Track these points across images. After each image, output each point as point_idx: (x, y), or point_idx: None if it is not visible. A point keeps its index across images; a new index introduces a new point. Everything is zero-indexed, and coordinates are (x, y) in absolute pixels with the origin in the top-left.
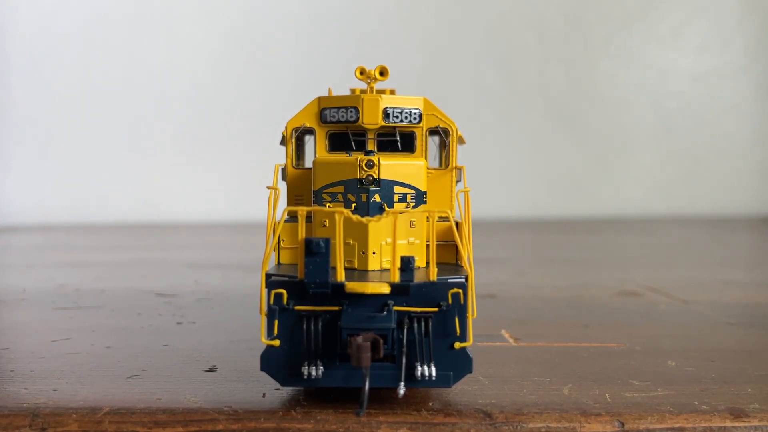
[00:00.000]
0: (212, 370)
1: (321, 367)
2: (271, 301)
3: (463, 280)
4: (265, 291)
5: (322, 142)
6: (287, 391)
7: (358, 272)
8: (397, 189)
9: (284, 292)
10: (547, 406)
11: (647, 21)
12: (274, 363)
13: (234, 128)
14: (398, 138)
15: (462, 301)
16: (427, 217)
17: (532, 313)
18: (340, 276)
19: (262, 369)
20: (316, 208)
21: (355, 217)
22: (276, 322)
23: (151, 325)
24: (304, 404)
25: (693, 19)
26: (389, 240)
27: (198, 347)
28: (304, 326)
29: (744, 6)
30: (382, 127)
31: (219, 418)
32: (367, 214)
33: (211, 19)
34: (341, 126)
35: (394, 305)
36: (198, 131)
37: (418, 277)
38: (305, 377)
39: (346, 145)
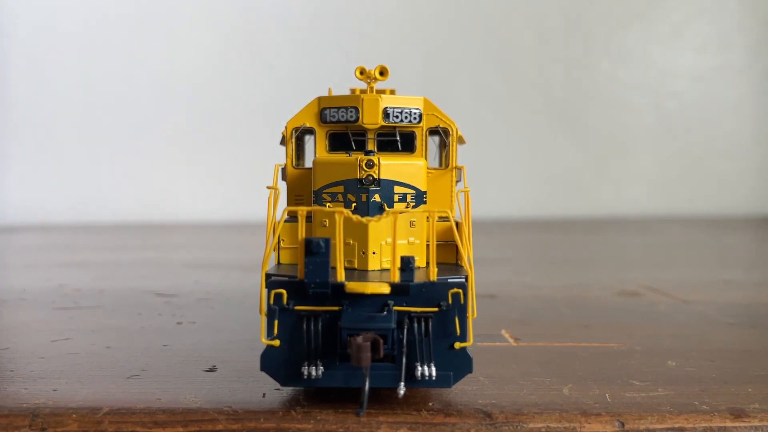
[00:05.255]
0: (212, 370)
1: (321, 367)
2: (271, 301)
3: (463, 280)
4: (265, 291)
5: (322, 142)
6: (287, 391)
7: (358, 272)
8: (397, 189)
9: (284, 292)
10: (547, 406)
11: (647, 21)
12: (274, 363)
13: (234, 128)
14: (398, 138)
15: (462, 301)
16: (427, 217)
17: (532, 313)
18: (340, 276)
19: (262, 369)
20: (316, 208)
21: (355, 217)
22: (276, 322)
23: (151, 325)
24: (304, 404)
25: (693, 19)
26: (389, 240)
27: (198, 347)
28: (304, 326)
29: (744, 6)
30: (382, 127)
31: (219, 418)
32: (367, 214)
33: (211, 20)
34: (341, 126)
35: (394, 305)
36: (198, 131)
37: (418, 277)
38: (305, 377)
39: (346, 145)
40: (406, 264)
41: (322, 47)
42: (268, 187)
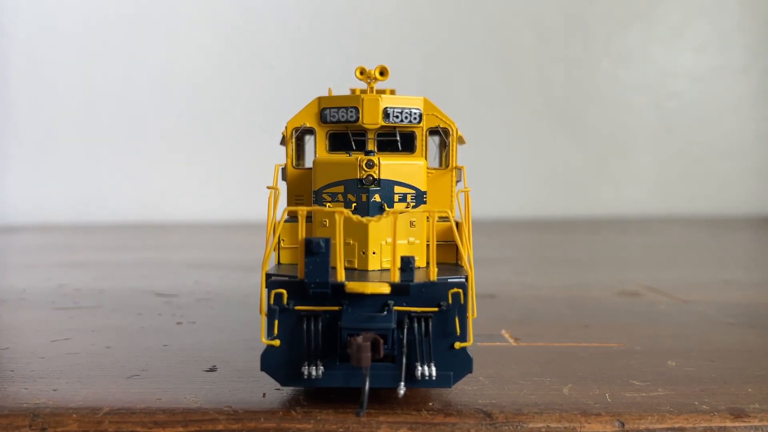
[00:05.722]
0: (212, 370)
1: (321, 367)
2: (271, 301)
3: (463, 280)
4: (265, 291)
5: (322, 142)
6: (287, 391)
7: (358, 272)
8: (397, 189)
9: (284, 292)
10: (547, 406)
11: (647, 21)
12: (274, 363)
13: (234, 128)
14: (398, 138)
15: (462, 301)
16: (427, 217)
17: (532, 313)
18: (340, 276)
19: (262, 369)
20: (316, 208)
21: (355, 217)
22: (276, 322)
23: (151, 325)
24: (304, 404)
25: (693, 19)
26: (389, 240)
27: (198, 347)
28: (304, 326)
29: (744, 6)
30: (382, 127)
31: (219, 418)
32: (367, 214)
33: (211, 20)
34: (341, 126)
35: (394, 305)
36: (198, 131)
37: (418, 277)
38: (305, 377)
39: (346, 145)
40: (406, 264)
41: (322, 47)
42: (268, 187)
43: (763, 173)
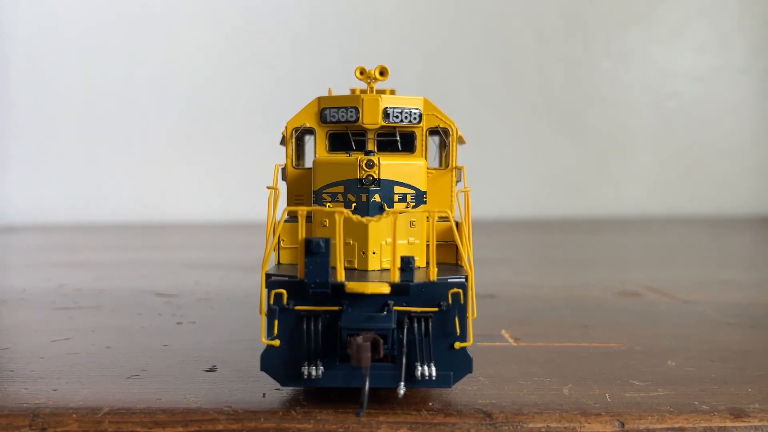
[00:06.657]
0: (212, 370)
1: (321, 367)
2: (271, 301)
3: (463, 280)
4: (265, 291)
5: (322, 142)
6: (287, 391)
7: (358, 272)
8: (397, 189)
9: (284, 292)
10: (547, 406)
11: (647, 21)
12: (274, 363)
13: (234, 128)
14: (398, 138)
15: (462, 301)
16: (427, 217)
17: (532, 313)
18: (340, 276)
19: (262, 369)
20: (316, 208)
21: (355, 217)
22: (276, 322)
23: (151, 325)
24: (304, 404)
25: (693, 19)
26: (389, 240)
27: (198, 347)
28: (304, 326)
29: (744, 6)
30: (382, 127)
31: (219, 418)
32: (367, 214)
33: (211, 20)
34: (341, 126)
35: (394, 305)
36: (198, 131)
37: (418, 277)
38: (305, 377)
39: (346, 145)
40: (406, 264)
41: (322, 47)
42: (268, 187)
43: (763, 173)
